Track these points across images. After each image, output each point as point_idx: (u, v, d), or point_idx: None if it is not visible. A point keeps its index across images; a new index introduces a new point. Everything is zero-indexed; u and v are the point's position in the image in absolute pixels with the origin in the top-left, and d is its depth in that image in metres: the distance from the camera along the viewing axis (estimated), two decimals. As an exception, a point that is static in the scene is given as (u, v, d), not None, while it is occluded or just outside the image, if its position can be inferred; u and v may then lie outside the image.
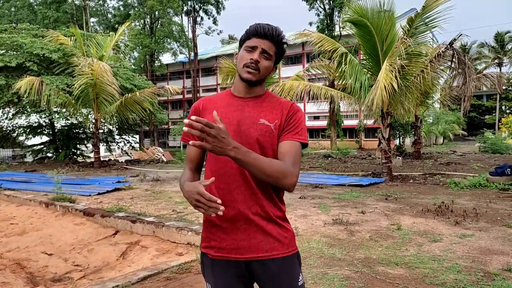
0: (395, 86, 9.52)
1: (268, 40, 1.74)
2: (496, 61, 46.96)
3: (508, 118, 31.02)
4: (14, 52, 18.06)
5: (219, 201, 1.50)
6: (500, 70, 45.31)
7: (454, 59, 9.90)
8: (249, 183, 1.72)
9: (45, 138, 22.64)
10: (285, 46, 1.82)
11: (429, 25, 10.58)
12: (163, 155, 24.05)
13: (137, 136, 29.58)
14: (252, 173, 1.63)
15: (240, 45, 1.80)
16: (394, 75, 9.61)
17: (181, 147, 39.47)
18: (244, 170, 1.68)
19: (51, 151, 21.91)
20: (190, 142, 1.51)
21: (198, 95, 45.51)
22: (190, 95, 47.92)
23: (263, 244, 1.72)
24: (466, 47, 45.93)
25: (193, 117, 1.46)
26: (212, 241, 1.77)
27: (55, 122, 20.26)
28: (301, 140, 1.76)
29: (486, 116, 48.01)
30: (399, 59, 9.80)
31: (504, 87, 34.51)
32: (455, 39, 9.94)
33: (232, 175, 1.72)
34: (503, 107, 45.96)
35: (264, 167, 1.60)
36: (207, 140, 1.47)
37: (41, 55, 17.05)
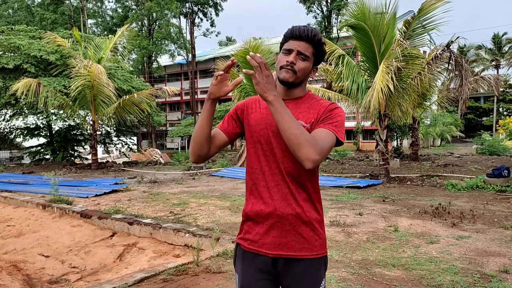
0: (391, 88, 9.55)
1: (304, 41, 1.77)
2: (493, 63, 47.08)
3: (506, 120, 31.09)
4: (12, 54, 18.04)
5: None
6: (498, 72, 45.45)
7: (451, 61, 9.94)
8: (287, 183, 1.77)
9: (42, 140, 22.58)
10: (324, 46, 1.84)
11: (427, 28, 10.62)
12: (161, 156, 24.03)
13: (135, 138, 29.56)
14: (279, 125, 1.63)
15: (280, 49, 1.84)
16: (390, 77, 9.64)
17: (179, 148, 39.46)
18: (281, 169, 1.76)
19: (48, 153, 21.85)
20: (250, 54, 1.61)
21: (196, 96, 45.52)
22: (188, 97, 47.92)
23: (293, 244, 1.76)
24: (464, 49, 46.10)
25: (252, 53, 1.60)
26: (247, 234, 1.84)
27: (52, 124, 20.21)
28: (335, 131, 1.74)
29: (484, 118, 48.11)
30: (395, 61, 9.83)
31: (501, 89, 34.66)
32: (452, 41, 9.98)
33: (271, 174, 1.78)
34: (501, 109, 46.05)
35: (293, 125, 1.61)
36: (258, 75, 1.59)
37: (38, 56, 17.04)
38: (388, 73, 9.75)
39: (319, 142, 1.64)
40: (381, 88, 9.48)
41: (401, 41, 10.01)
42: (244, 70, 1.70)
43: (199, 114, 1.89)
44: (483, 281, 3.88)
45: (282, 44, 1.83)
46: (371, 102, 9.67)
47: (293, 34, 1.77)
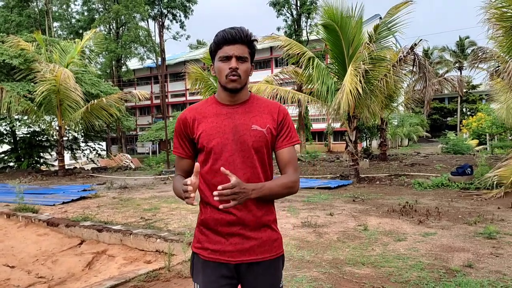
0: (360, 90, 9.76)
1: (239, 44, 1.75)
2: (457, 65, 48.74)
3: (469, 120, 32.26)
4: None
5: (188, 183, 1.61)
6: (461, 73, 47.10)
7: (415, 64, 10.23)
8: None
9: (6, 147, 21.77)
10: (256, 42, 1.84)
11: (392, 30, 10.91)
12: (131, 162, 23.64)
13: (104, 143, 28.97)
14: (271, 198, 1.83)
15: (213, 56, 1.82)
16: (358, 79, 9.85)
17: (150, 153, 38.89)
18: (241, 177, 1.74)
19: (12, 160, 21.10)
20: (220, 206, 1.59)
21: (166, 100, 45.01)
22: (158, 101, 47.33)
23: (255, 248, 1.80)
24: (428, 51, 47.54)
25: (219, 187, 1.56)
26: (206, 243, 1.82)
27: (16, 130, 19.53)
28: (296, 143, 1.89)
29: (448, 118, 49.71)
30: (363, 64, 10.05)
31: (464, 90, 35.89)
32: (415, 44, 10.29)
33: (227, 183, 1.76)
34: (464, 109, 47.70)
35: (277, 191, 1.79)
36: (234, 199, 1.59)
37: (0, 61, 16.46)
38: (357, 75, 9.96)
39: (294, 172, 1.84)
40: (350, 90, 9.67)
41: (368, 43, 10.24)
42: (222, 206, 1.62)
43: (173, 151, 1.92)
44: (448, 276, 4.01)
45: (214, 51, 1.79)
46: (341, 103, 9.84)
47: (226, 39, 1.75)
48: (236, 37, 1.74)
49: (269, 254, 1.82)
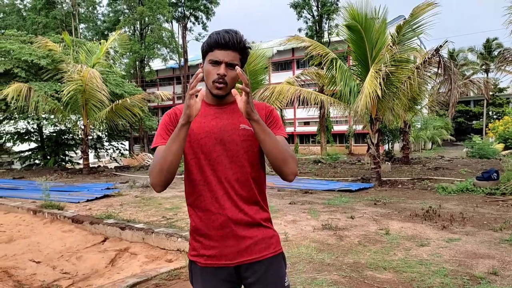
0: (379, 93, 9.63)
1: (231, 50, 1.71)
2: (483, 67, 47.64)
3: (495, 123, 31.47)
4: (2, 58, 17.91)
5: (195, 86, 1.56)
6: (487, 76, 46.03)
7: (440, 66, 10.05)
8: (235, 189, 1.76)
9: (33, 145, 22.41)
10: (249, 49, 1.79)
11: (416, 31, 10.74)
12: (153, 161, 23.89)
13: (127, 143, 29.46)
14: (266, 144, 1.66)
15: (203, 56, 1.78)
16: (378, 81, 9.72)
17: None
18: (229, 177, 1.75)
19: (39, 158, 21.70)
20: (237, 70, 1.62)
21: (188, 101, 45.36)
22: (180, 101, 47.82)
23: (252, 248, 1.76)
24: (454, 53, 46.60)
25: (238, 68, 1.62)
26: (201, 250, 1.78)
27: (43, 129, 20.08)
28: (284, 135, 1.83)
29: (474, 122, 48.64)
30: (385, 66, 9.93)
31: (491, 93, 35.06)
32: (441, 46, 10.11)
33: (218, 183, 1.75)
34: (490, 113, 46.59)
35: (278, 142, 1.68)
36: (248, 93, 1.58)
37: (29, 61, 16.94)
38: (377, 78, 9.84)
39: (295, 160, 1.73)
40: (369, 93, 9.57)
41: (390, 46, 10.12)
42: (238, 86, 1.59)
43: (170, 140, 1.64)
44: (472, 283, 3.93)
45: (206, 52, 1.75)
46: (359, 106, 9.76)
47: (219, 43, 1.70)
48: (229, 42, 1.70)
49: (268, 251, 1.79)
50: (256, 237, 1.77)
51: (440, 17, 10.11)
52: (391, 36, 10.83)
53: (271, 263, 1.80)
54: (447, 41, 10.20)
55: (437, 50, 10.04)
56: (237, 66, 1.61)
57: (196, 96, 1.60)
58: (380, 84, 9.65)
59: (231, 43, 1.70)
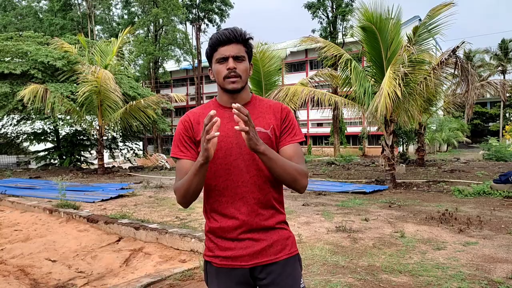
0: (399, 93, 9.53)
1: (234, 44, 1.72)
2: (499, 68, 46.88)
3: (512, 125, 30.94)
4: (19, 60, 18.23)
5: (212, 114, 1.50)
6: (504, 77, 45.27)
7: (457, 67, 9.90)
8: (253, 193, 1.76)
9: (49, 145, 22.75)
10: (252, 40, 1.79)
11: (432, 32, 10.61)
12: (167, 161, 24.11)
13: (141, 143, 29.72)
14: (274, 171, 1.67)
15: (210, 61, 1.79)
16: (397, 82, 9.62)
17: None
18: (246, 181, 1.75)
19: (55, 158, 22.02)
20: (234, 105, 1.50)
21: (201, 101, 45.64)
22: (193, 102, 48.06)
23: (267, 249, 1.76)
24: (470, 54, 45.93)
25: (234, 105, 1.50)
26: (217, 251, 1.79)
27: (59, 129, 20.37)
28: (300, 140, 1.82)
29: (490, 124, 47.90)
30: (402, 67, 9.82)
31: (508, 95, 34.45)
32: (458, 47, 9.95)
33: (234, 187, 1.75)
34: (507, 115, 45.83)
35: (286, 165, 1.67)
36: (248, 132, 1.53)
37: (45, 62, 17.20)
38: (395, 78, 9.74)
39: (304, 166, 1.74)
40: (388, 93, 9.46)
41: (408, 46, 10.00)
42: (236, 128, 1.53)
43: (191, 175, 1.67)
44: (490, 287, 3.85)
45: (211, 54, 1.77)
46: (379, 107, 9.65)
47: (221, 40, 1.72)
48: (230, 36, 1.71)
49: (283, 253, 1.79)
50: (271, 239, 1.77)
51: (457, 17, 9.95)
52: (408, 37, 10.71)
53: (287, 264, 1.79)
54: (464, 42, 10.03)
55: (454, 51, 9.89)
56: (233, 104, 1.52)
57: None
58: (399, 85, 9.53)
59: (232, 36, 1.72)
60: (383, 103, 9.46)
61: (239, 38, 1.73)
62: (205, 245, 1.87)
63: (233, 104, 1.51)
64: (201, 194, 1.85)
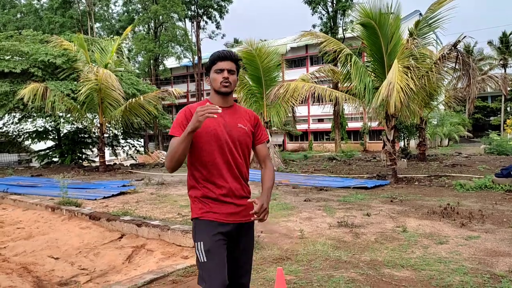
0: (413, 87, 9.44)
1: (229, 61, 2.40)
2: (501, 62, 46.68)
3: (514, 119, 30.86)
4: (19, 58, 18.19)
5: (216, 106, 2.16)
6: (505, 71, 45.12)
7: (458, 61, 9.87)
8: (234, 169, 2.42)
9: (50, 143, 22.76)
10: (240, 61, 2.49)
11: (432, 26, 10.57)
12: (168, 159, 24.05)
13: (142, 140, 29.73)
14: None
15: (208, 70, 2.46)
16: (410, 76, 9.54)
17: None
18: (230, 160, 2.39)
19: (57, 156, 22.02)
20: (254, 219, 2.40)
21: (202, 98, 45.62)
22: (194, 99, 48.03)
23: (243, 212, 2.43)
24: (470, 48, 45.75)
25: (254, 211, 2.34)
26: (210, 210, 2.37)
27: (60, 127, 20.36)
28: (267, 139, 2.67)
29: (491, 118, 47.79)
30: (412, 59, 9.74)
31: (509, 89, 34.36)
32: (459, 41, 9.92)
33: (221, 163, 2.39)
34: (508, 109, 45.71)
35: (272, 185, 2.56)
36: (266, 213, 2.38)
37: (45, 60, 17.15)
38: (406, 72, 9.66)
39: (270, 161, 2.64)
40: (401, 88, 9.36)
41: (414, 38, 9.94)
42: (254, 219, 2.43)
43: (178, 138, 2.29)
44: (493, 281, 3.86)
45: (210, 66, 2.43)
46: (390, 102, 9.54)
47: (220, 57, 2.39)
48: (227, 55, 2.40)
49: (250, 217, 2.38)
50: (245, 205, 2.44)
51: (458, 11, 9.86)
52: (409, 31, 10.66)
53: (251, 227, 2.55)
54: (465, 36, 10.00)
55: (454, 45, 9.86)
56: (249, 200, 2.44)
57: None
58: (412, 79, 9.44)
59: (228, 56, 2.41)
60: (397, 97, 9.35)
61: (233, 57, 2.42)
62: (194, 208, 2.43)
63: (249, 200, 2.46)
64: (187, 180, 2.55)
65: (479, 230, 5.78)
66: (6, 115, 18.77)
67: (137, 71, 38.19)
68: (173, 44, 40.88)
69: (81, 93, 15.27)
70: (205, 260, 2.29)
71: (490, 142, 23.48)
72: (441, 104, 21.09)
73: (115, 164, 20.85)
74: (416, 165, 15.98)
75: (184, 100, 48.34)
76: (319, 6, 32.25)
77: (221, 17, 44.34)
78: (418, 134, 19.42)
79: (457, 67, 10.19)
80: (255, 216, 2.29)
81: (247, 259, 2.54)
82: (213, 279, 2.26)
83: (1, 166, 22.66)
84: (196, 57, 43.10)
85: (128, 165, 21.17)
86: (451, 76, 12.82)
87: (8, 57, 18.11)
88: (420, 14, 27.67)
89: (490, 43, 47.26)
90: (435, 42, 13.46)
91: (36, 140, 21.93)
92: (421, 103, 12.09)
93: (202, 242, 2.31)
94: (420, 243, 5.17)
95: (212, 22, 44.65)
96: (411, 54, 10.03)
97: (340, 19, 32.40)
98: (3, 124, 20.82)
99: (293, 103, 14.95)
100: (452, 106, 19.68)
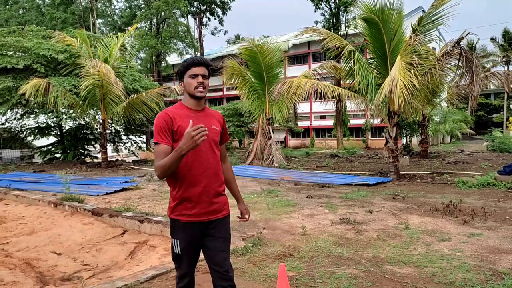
0: (416, 84, 9.39)
1: (202, 67, 2.58)
2: (504, 59, 46.44)
3: (516, 116, 30.74)
4: (22, 54, 18.17)
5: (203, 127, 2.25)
6: (508, 68, 44.92)
7: (461, 58, 9.82)
8: (209, 170, 2.56)
9: (53, 139, 22.77)
10: (210, 67, 2.64)
11: (435, 23, 10.52)
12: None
13: (144, 137, 29.70)
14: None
15: (182, 75, 2.60)
16: (413, 73, 9.49)
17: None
18: (206, 163, 2.55)
19: (59, 152, 22.04)
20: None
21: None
22: (196, 95, 47.96)
23: (217, 209, 2.61)
24: (473, 45, 45.53)
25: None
26: (183, 211, 2.54)
27: (63, 123, 20.36)
28: (228, 140, 2.94)
29: (494, 115, 47.60)
30: (416, 56, 9.69)
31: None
32: (462, 37, 9.87)
33: (199, 165, 2.54)
34: (511, 106, 45.51)
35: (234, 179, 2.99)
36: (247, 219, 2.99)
37: (48, 56, 17.13)
38: (409, 69, 9.62)
39: (227, 158, 2.97)
40: (405, 85, 9.32)
41: (417, 35, 9.88)
42: (239, 220, 3.00)
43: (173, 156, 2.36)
44: (495, 278, 3.85)
45: (184, 71, 2.57)
46: (394, 99, 9.50)
47: (195, 63, 2.56)
48: (201, 61, 2.58)
49: (225, 212, 2.67)
50: (220, 203, 2.63)
51: (461, 7, 9.80)
52: (412, 27, 10.60)
53: (226, 219, 2.70)
54: (468, 33, 9.94)
55: (458, 42, 9.81)
56: (238, 218, 2.98)
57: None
58: (415, 75, 9.40)
59: (202, 62, 2.59)
60: (400, 94, 9.32)
61: (206, 63, 2.60)
62: (171, 207, 2.59)
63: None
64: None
65: (481, 227, 5.77)
66: (9, 111, 18.71)
67: (139, 67, 38.13)
68: (175, 41, 40.82)
69: (83, 88, 15.27)
70: (180, 253, 2.60)
71: (492, 139, 23.42)
72: (444, 101, 21.02)
73: (117, 160, 20.86)
74: (418, 162, 15.96)
75: (186, 97, 48.28)
76: (322, 3, 32.10)
77: (224, 13, 44.24)
78: (420, 131, 19.38)
79: (460, 64, 10.15)
80: (243, 219, 2.93)
81: (225, 248, 2.72)
82: (183, 267, 2.66)
83: (3, 161, 22.71)
84: (198, 54, 43.03)
85: (130, 161, 21.19)
86: (454, 73, 12.76)
87: (11, 53, 18.10)
88: (423, 10, 27.54)
89: (493, 39, 46.98)
90: (438, 39, 13.41)
91: (38, 136, 21.93)
92: (423, 100, 12.05)
93: (178, 240, 2.58)
94: (423, 240, 5.17)
95: (215, 19, 44.57)
96: (414, 51, 9.97)
97: (343, 16, 32.25)
98: (6, 120, 20.80)
99: (295, 100, 14.90)
100: (455, 103, 19.62)
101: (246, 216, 2.91)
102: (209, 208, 2.55)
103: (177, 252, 2.61)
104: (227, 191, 2.74)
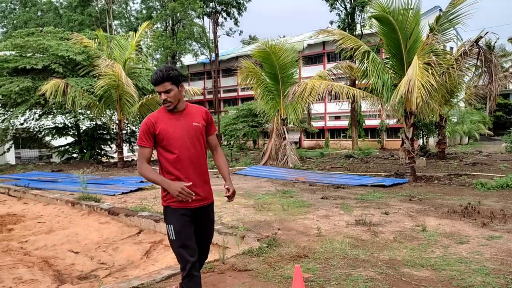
0: (434, 84, 9.27)
1: (161, 84, 2.84)
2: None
3: (537, 117, 30.04)
4: (40, 55, 18.49)
5: (193, 194, 2.80)
6: (528, 67, 43.92)
7: (480, 57, 9.65)
8: (195, 162, 2.96)
9: (70, 139, 23.11)
10: (173, 72, 2.86)
11: (453, 22, 10.36)
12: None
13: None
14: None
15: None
16: (430, 72, 9.36)
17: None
18: (192, 156, 2.94)
19: (76, 152, 22.36)
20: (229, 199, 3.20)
21: (218, 95, 45.74)
22: (211, 96, 48.20)
23: (203, 197, 3.01)
24: (492, 44, 44.66)
25: (230, 193, 3.16)
26: (173, 198, 2.85)
27: (80, 123, 20.66)
28: (216, 131, 3.23)
29: (513, 116, 46.62)
30: (433, 55, 9.57)
31: (532, 86, 33.44)
32: (481, 36, 9.70)
33: (185, 158, 2.92)
34: (531, 106, 44.49)
35: (226, 166, 3.32)
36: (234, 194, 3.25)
37: (66, 57, 17.41)
38: (427, 69, 9.49)
39: (220, 148, 3.31)
40: (422, 85, 9.21)
41: (435, 34, 9.75)
42: (226, 199, 3.26)
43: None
44: (516, 283, 3.77)
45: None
46: (411, 99, 9.39)
47: (153, 82, 2.87)
48: (158, 79, 2.83)
49: (210, 200, 3.12)
50: (206, 191, 3.06)
51: (480, 6, 9.62)
52: (430, 26, 10.44)
53: (211, 206, 3.16)
54: (487, 32, 9.77)
55: (476, 41, 9.64)
56: (225, 193, 3.14)
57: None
58: (433, 75, 9.28)
59: (160, 79, 2.83)
60: (418, 94, 9.20)
61: (165, 78, 2.82)
62: (164, 196, 2.95)
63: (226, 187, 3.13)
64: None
65: (501, 230, 5.65)
66: (27, 111, 19.08)
67: (155, 68, 38.45)
68: (190, 41, 41.04)
69: (98, 88, 15.45)
70: (174, 238, 2.91)
71: (511, 140, 22.95)
72: (462, 102, 20.69)
73: (133, 160, 21.06)
74: (435, 164, 15.74)
75: (201, 98, 48.57)
76: (337, 3, 31.92)
77: (239, 14, 44.32)
78: (437, 132, 19.11)
79: (478, 63, 9.97)
80: (228, 199, 3.11)
81: (209, 233, 3.24)
82: (178, 240, 2.93)
83: (22, 161, 23.16)
84: (213, 54, 43.19)
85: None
86: (472, 73, 12.55)
87: (30, 54, 18.44)
88: (441, 9, 27.16)
89: (511, 39, 46.05)
90: (455, 38, 13.20)
91: (56, 136, 22.28)
92: (441, 100, 11.86)
93: (172, 225, 2.90)
94: (440, 243, 5.09)
95: (231, 19, 44.66)
96: (432, 50, 9.83)
97: (359, 16, 32.00)
98: (24, 120, 21.19)
99: (310, 101, 14.83)
100: (473, 104, 19.30)
101: (229, 193, 3.07)
102: (198, 196, 2.90)
103: (172, 238, 2.91)
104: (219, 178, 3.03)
